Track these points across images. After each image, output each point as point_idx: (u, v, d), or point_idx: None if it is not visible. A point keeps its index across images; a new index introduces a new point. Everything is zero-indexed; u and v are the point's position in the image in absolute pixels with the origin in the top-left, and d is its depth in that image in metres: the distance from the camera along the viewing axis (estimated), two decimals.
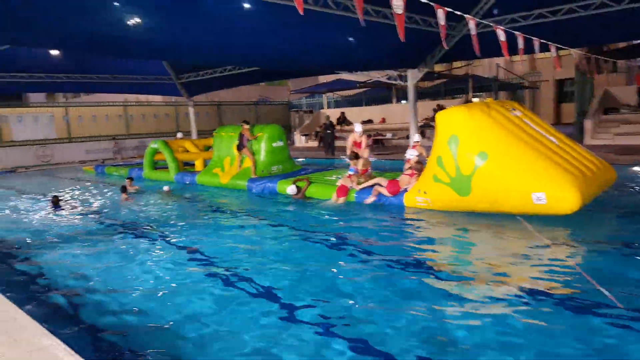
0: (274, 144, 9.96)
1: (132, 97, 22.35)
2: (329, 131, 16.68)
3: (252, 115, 25.36)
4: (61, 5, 6.98)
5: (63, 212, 7.80)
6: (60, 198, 8.58)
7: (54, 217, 7.45)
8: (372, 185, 7.29)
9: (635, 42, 18.23)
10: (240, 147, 9.58)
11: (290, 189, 8.11)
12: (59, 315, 3.55)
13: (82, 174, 14.47)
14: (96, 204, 8.51)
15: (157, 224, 6.62)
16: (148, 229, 6.30)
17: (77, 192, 10.25)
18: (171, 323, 3.30)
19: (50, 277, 4.46)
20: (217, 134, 11.06)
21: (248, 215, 7.06)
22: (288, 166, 10.26)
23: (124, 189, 8.97)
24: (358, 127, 8.62)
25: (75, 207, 8.24)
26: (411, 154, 7.35)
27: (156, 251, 5.21)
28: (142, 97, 23.60)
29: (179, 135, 14.85)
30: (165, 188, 9.66)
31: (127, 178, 9.94)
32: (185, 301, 3.70)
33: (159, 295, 3.87)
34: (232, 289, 3.91)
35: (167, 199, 8.79)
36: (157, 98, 22.84)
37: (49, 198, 8.90)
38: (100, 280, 4.29)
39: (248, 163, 9.93)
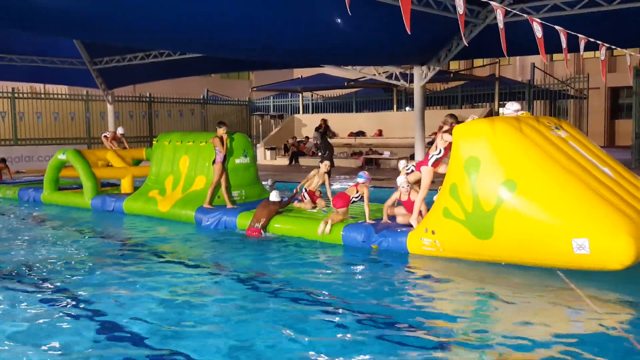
0: (237, 160, 10.03)
1: (24, 87, 22.07)
2: (319, 141, 16.36)
3: (197, 117, 25.44)
4: None
5: None
6: None
7: None
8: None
9: None
10: (214, 160, 9.52)
11: (274, 195, 8.53)
12: None
13: None
14: None
15: (42, 268, 6.60)
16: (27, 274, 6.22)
17: None
18: None
19: None
20: (158, 142, 11.12)
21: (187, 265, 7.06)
22: (254, 192, 10.32)
23: None
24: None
25: None
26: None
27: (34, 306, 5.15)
28: (39, 87, 23.35)
29: (120, 130, 14.72)
30: None
31: None
32: None
33: None
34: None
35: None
36: (61, 89, 22.64)
37: None
38: None
39: (200, 184, 9.92)
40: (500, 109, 7.55)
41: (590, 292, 5.35)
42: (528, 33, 8.27)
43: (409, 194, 7.54)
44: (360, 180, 8.03)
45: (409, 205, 7.49)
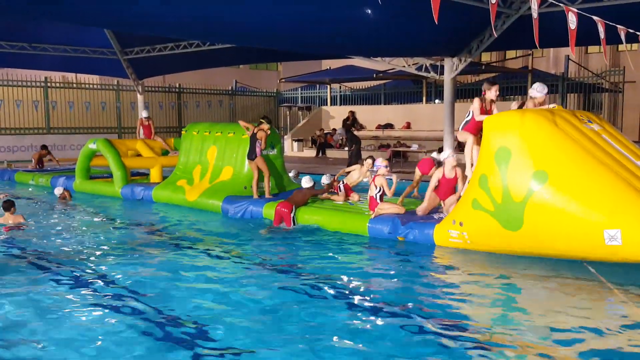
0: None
1: (57, 77, 22.58)
2: (344, 136, 16.27)
3: (226, 108, 25.63)
4: None
5: None
6: None
7: None
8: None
9: None
10: (252, 156, 9.51)
11: (306, 180, 8.67)
12: None
13: None
14: None
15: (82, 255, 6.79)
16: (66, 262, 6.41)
17: None
18: None
19: None
20: (187, 133, 11.39)
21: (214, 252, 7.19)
22: (281, 183, 10.45)
23: (10, 205, 8.39)
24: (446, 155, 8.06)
25: None
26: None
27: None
28: (71, 77, 23.84)
29: (144, 114, 14.88)
30: (58, 190, 10.92)
31: None
32: None
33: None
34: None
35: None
36: (93, 79, 23.11)
37: None
38: None
39: (227, 175, 10.09)
40: (530, 92, 7.45)
41: (619, 283, 5.30)
42: (562, 24, 8.13)
43: (455, 170, 7.49)
44: (375, 168, 8.04)
45: (453, 185, 7.51)
